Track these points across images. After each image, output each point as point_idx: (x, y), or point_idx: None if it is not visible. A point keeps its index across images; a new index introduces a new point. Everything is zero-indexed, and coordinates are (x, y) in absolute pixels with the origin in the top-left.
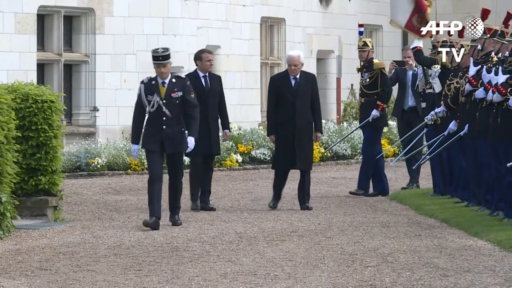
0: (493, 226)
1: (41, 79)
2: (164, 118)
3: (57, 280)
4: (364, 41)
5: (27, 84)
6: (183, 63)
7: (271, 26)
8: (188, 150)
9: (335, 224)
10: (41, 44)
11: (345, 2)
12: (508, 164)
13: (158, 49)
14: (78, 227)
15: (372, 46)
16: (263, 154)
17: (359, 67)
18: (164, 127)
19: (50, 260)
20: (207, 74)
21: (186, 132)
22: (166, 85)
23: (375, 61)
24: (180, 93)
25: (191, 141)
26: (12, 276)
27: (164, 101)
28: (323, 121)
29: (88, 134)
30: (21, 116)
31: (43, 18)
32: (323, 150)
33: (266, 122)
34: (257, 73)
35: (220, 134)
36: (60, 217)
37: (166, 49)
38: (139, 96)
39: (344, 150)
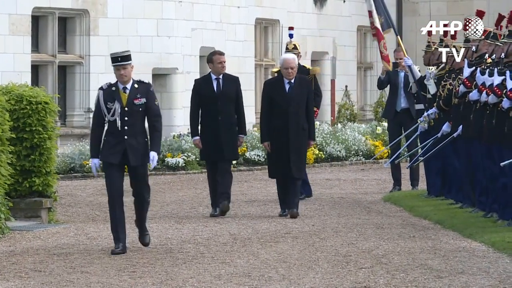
0: (487, 227)
1: (35, 80)
2: (126, 127)
3: (51, 282)
4: (294, 44)
5: (21, 86)
6: (178, 64)
7: (265, 28)
8: (152, 166)
9: (329, 225)
10: (35, 45)
11: (340, 4)
12: (502, 164)
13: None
14: (72, 229)
15: (300, 50)
16: (257, 155)
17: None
18: (126, 137)
19: (44, 261)
20: (220, 77)
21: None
22: (128, 91)
23: (308, 66)
24: (143, 100)
25: (153, 157)
26: (6, 278)
27: (126, 108)
28: (317, 122)
29: (82, 135)
30: (15, 117)
31: (37, 19)
32: (317, 152)
33: (259, 124)
34: (251, 74)
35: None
36: (54, 218)
37: (126, 51)
38: (97, 103)
39: (338, 152)
